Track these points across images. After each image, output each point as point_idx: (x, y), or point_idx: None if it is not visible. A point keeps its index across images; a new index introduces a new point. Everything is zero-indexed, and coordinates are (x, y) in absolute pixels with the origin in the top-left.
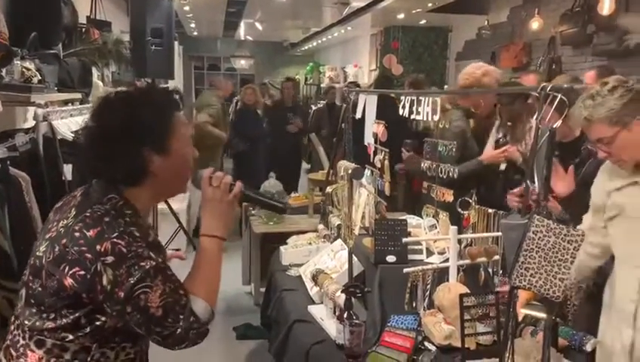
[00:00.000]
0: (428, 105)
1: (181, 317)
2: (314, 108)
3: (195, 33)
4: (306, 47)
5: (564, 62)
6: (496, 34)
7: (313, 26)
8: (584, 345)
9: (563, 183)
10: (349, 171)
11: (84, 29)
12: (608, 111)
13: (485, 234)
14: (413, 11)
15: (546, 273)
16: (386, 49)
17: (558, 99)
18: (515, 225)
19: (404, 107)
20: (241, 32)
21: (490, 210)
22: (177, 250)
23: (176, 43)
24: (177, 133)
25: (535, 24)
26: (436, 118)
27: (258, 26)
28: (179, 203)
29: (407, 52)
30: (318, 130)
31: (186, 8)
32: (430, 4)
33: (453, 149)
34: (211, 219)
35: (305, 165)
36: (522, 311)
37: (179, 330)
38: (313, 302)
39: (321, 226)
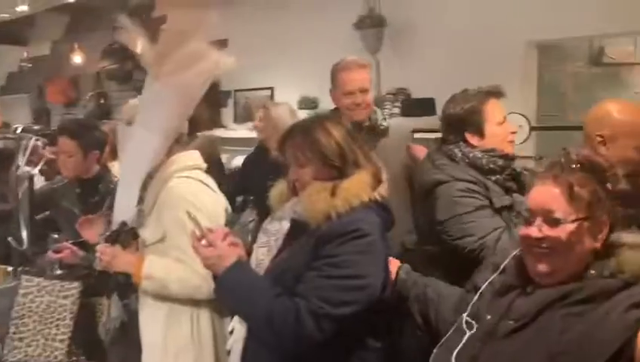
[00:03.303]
0: None
1: None
2: None
3: None
4: None
5: (112, 97)
6: (40, 67)
7: None
8: None
9: (91, 230)
10: None
11: None
12: None
13: None
14: None
15: (44, 338)
16: None
17: None
18: (4, 289)
19: None
20: None
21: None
22: None
23: None
24: None
25: (77, 58)
26: None
27: None
28: None
29: None
30: None
31: None
32: None
33: None
34: None
35: None
36: None
37: None
38: None
39: None
